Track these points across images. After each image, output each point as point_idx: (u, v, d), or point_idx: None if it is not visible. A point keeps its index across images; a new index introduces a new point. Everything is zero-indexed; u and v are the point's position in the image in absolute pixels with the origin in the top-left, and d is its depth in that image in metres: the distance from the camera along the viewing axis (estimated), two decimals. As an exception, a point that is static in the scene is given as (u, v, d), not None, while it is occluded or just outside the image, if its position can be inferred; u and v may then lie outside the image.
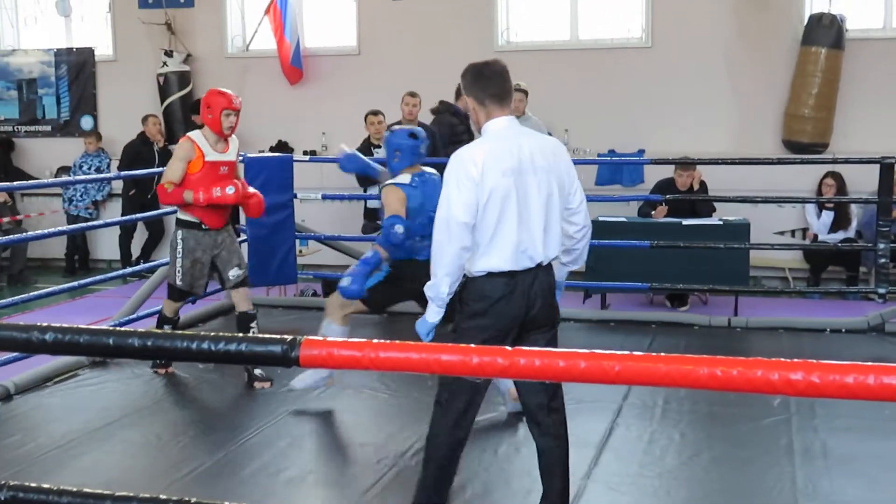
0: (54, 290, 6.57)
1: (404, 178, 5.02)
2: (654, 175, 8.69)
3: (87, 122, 11.13)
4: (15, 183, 8.27)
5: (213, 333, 1.77)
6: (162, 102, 10.54)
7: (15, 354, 5.62)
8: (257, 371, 5.80)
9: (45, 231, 6.80)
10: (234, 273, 5.86)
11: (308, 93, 10.31)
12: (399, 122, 8.26)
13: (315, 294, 8.59)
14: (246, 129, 10.82)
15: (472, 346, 1.64)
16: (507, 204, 3.40)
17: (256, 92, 10.46)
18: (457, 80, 3.78)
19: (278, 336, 1.71)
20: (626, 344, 6.70)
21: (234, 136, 5.83)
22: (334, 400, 5.51)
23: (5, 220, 9.78)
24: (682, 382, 1.52)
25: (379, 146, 8.29)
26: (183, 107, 10.47)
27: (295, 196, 7.70)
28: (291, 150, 10.03)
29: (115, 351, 1.80)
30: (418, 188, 4.97)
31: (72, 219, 10.41)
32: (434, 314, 3.50)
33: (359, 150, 8.40)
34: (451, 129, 8.11)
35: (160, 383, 5.93)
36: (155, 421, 5.36)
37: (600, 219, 8.00)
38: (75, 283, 6.79)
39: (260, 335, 1.71)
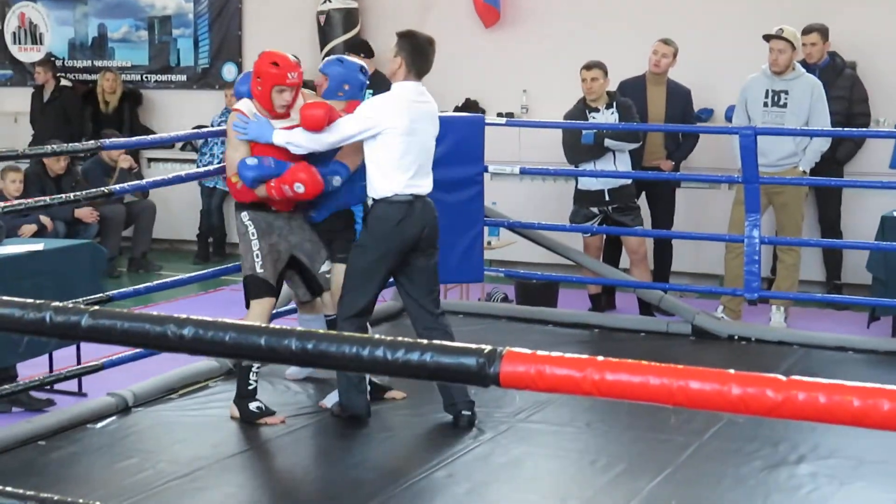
0: (182, 280, 6.87)
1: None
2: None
3: (229, 72, 11.60)
4: (133, 139, 8.53)
5: (389, 339, 1.79)
6: (322, 47, 10.86)
7: (134, 351, 5.92)
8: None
9: (162, 178, 6.86)
10: (326, 267, 5.96)
11: (507, 38, 10.37)
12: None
13: (506, 299, 8.64)
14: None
15: (732, 372, 1.61)
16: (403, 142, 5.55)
17: (440, 36, 10.37)
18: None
19: (474, 346, 1.71)
20: (928, 386, 6.41)
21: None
22: (530, 436, 5.50)
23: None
24: None
25: (597, 109, 8.25)
26: (348, 53, 10.74)
27: (485, 170, 7.76)
28: (483, 112, 10.12)
29: (267, 354, 1.86)
30: None
31: (207, 192, 10.88)
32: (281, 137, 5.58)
33: (571, 114, 8.46)
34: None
35: (310, 399, 6.07)
36: (302, 449, 5.52)
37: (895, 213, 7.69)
38: (207, 272, 7.08)
39: (451, 343, 1.72)
